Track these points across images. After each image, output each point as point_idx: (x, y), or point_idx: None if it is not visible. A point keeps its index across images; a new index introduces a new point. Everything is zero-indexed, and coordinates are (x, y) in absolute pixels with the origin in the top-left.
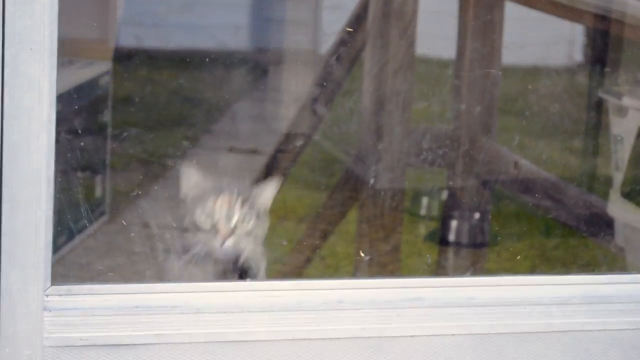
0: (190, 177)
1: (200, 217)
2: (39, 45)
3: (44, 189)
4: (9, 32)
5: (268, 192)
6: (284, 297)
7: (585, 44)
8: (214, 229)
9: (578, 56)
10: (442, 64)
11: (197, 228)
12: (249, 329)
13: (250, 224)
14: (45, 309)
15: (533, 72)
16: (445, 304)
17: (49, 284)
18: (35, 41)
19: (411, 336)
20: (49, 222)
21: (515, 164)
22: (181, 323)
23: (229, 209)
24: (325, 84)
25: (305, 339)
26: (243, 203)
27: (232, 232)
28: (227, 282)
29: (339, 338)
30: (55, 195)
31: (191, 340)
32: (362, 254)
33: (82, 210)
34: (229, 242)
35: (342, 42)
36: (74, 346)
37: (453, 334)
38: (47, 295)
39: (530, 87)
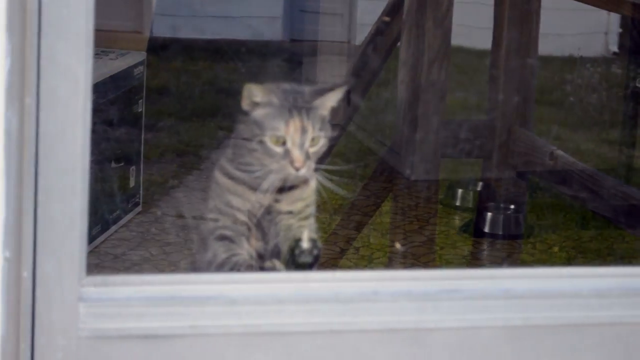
0: (254, 95)
1: (271, 140)
2: (75, 35)
3: (79, 178)
4: (45, 22)
5: (332, 101)
6: (319, 288)
7: (622, 34)
8: (288, 154)
9: (615, 46)
10: (477, 54)
11: (267, 151)
12: (284, 320)
13: (318, 146)
14: (80, 299)
15: (569, 62)
16: (482, 295)
17: (84, 274)
18: (71, 31)
19: (448, 328)
20: (84, 212)
21: (551, 155)
22: (216, 314)
23: (301, 134)
24: (360, 74)
25: (340, 331)
26: (312, 123)
27: (306, 158)
28: (263, 273)
29: (374, 330)
30: (90, 186)
31: (226, 332)
32: (399, 246)
33: (116, 201)
34: (304, 170)
35: (377, 32)
36: (109, 337)
37: (490, 326)
38: (83, 286)
39: (566, 77)
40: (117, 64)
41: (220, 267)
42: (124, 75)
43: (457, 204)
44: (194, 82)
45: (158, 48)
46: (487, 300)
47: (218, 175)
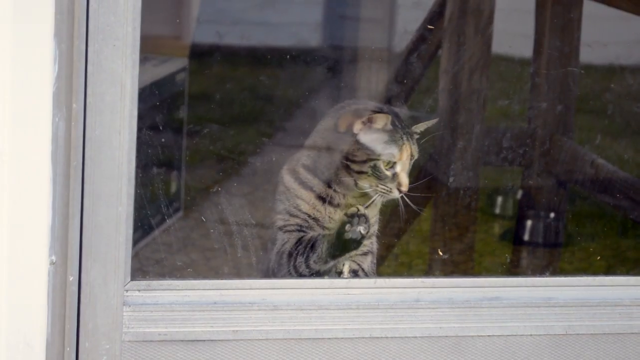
0: (375, 121)
1: (384, 163)
2: (121, 42)
3: (125, 184)
4: (93, 28)
5: (424, 127)
6: (360, 295)
7: None
8: (396, 177)
9: None
10: (519, 62)
11: (377, 174)
12: (326, 326)
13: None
14: (124, 303)
15: (612, 71)
16: (523, 303)
17: (129, 279)
18: (118, 37)
19: (489, 336)
20: (129, 217)
21: (592, 163)
22: (258, 319)
23: (409, 159)
24: (402, 81)
25: (382, 337)
26: (415, 148)
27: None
28: (304, 280)
29: (415, 337)
30: (135, 192)
31: (268, 337)
32: (441, 253)
33: (159, 206)
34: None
35: (419, 40)
36: (153, 341)
37: (531, 334)
38: (127, 290)
39: (609, 86)
40: (158, 71)
41: (296, 245)
42: (166, 82)
43: (498, 211)
44: (235, 88)
45: (200, 55)
46: (528, 308)
47: (287, 178)
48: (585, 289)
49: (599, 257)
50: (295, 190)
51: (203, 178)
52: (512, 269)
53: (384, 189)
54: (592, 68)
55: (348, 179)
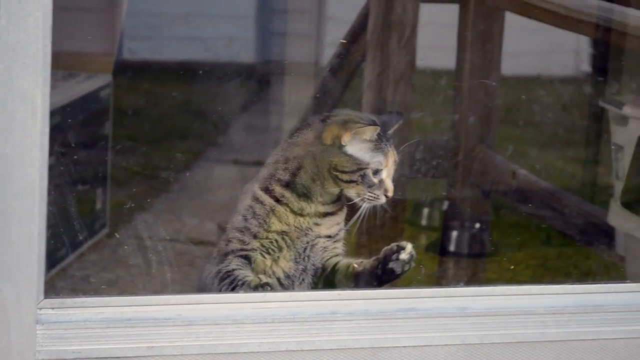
0: (362, 133)
1: (372, 172)
2: (32, 59)
3: (37, 202)
4: (3, 46)
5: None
6: (276, 309)
7: (586, 54)
8: (382, 184)
9: (579, 66)
10: (440, 74)
11: (366, 182)
12: (242, 340)
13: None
14: (38, 322)
15: (534, 82)
16: (438, 314)
17: (42, 297)
18: (28, 55)
19: (404, 346)
20: (42, 235)
21: (513, 174)
22: (173, 335)
23: (393, 164)
24: (323, 95)
25: (298, 350)
26: (396, 153)
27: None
28: (220, 294)
29: (332, 349)
30: (55, 209)
31: (183, 352)
32: (356, 265)
33: (83, 223)
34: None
35: (341, 53)
36: (67, 359)
37: (447, 344)
38: (40, 309)
39: (530, 96)
40: (83, 87)
41: (225, 275)
42: (90, 98)
43: (424, 223)
44: (162, 104)
45: (125, 70)
46: (443, 318)
47: (262, 195)
48: (500, 298)
49: (519, 267)
50: (271, 206)
51: (128, 194)
52: (438, 280)
53: (372, 196)
54: (516, 79)
55: (334, 189)
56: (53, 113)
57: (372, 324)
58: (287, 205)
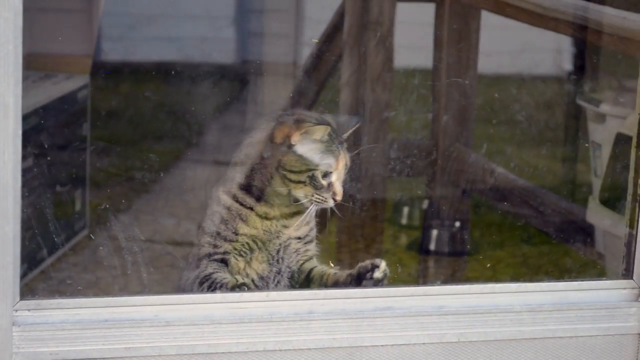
0: (313, 132)
1: (321, 174)
2: (3, 61)
3: (11, 204)
4: None
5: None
6: (253, 309)
7: (563, 52)
8: (331, 187)
9: (557, 64)
10: (417, 73)
11: (315, 184)
12: (219, 341)
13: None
14: (14, 323)
15: (511, 80)
16: (416, 312)
17: (18, 299)
18: None
19: (382, 345)
20: (16, 237)
21: (491, 173)
22: (151, 336)
23: (344, 168)
24: (299, 95)
25: (276, 350)
26: (348, 157)
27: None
28: (197, 295)
29: (309, 348)
30: (34, 210)
31: (161, 353)
32: (332, 265)
33: (62, 225)
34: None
35: (318, 53)
36: None
37: (424, 343)
38: (16, 310)
39: (508, 95)
40: (60, 88)
41: (203, 279)
42: (67, 99)
43: (404, 222)
44: (141, 105)
45: (103, 71)
46: (420, 317)
47: (227, 200)
48: (477, 297)
49: (488, 265)
50: (237, 210)
51: (107, 195)
52: (419, 279)
53: (319, 199)
54: (494, 77)
55: (283, 189)
56: (30, 114)
57: (349, 323)
58: (251, 209)
